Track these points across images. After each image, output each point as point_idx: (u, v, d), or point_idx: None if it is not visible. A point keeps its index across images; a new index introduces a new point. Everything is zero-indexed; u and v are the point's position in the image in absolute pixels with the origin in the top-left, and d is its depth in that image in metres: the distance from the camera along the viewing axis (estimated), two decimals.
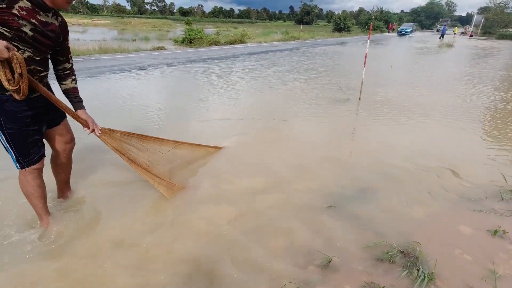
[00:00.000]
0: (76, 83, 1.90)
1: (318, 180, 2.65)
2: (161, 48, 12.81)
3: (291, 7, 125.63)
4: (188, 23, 29.79)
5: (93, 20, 48.06)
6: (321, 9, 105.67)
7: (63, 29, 1.72)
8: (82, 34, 22.63)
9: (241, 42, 17.49)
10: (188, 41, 15.04)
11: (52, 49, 1.70)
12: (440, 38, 27.32)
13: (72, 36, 16.85)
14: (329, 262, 1.71)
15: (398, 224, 2.08)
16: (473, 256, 1.80)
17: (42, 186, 1.85)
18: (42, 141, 1.81)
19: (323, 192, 2.44)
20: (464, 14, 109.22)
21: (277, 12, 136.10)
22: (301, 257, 1.77)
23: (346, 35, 30.97)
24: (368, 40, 5.57)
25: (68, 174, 2.17)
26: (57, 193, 2.20)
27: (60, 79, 1.86)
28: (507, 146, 3.57)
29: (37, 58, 1.60)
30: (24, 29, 1.47)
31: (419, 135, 3.86)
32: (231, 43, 16.67)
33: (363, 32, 35.63)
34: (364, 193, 2.45)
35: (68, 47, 1.83)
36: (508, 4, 36.07)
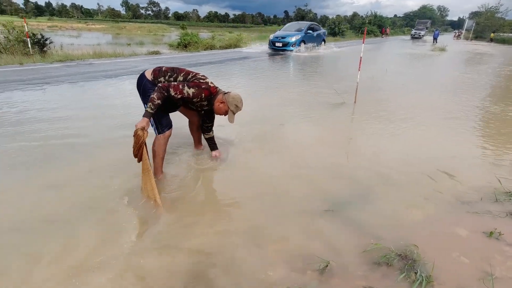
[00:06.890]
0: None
1: (314, 184, 2.65)
2: (156, 53, 12.77)
3: (286, 12, 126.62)
4: (183, 28, 29.85)
5: (87, 25, 47.96)
6: (316, 14, 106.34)
7: None
8: (76, 38, 22.53)
9: (236, 46, 17.51)
10: (183, 45, 15.04)
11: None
12: (434, 42, 27.50)
13: (66, 40, 16.60)
14: (327, 266, 1.70)
15: (395, 227, 2.09)
16: (470, 258, 1.81)
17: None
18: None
19: (320, 197, 2.44)
20: (455, 18, 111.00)
21: (272, 16, 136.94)
22: (299, 262, 1.75)
23: (340, 39, 31.19)
24: (363, 45, 5.62)
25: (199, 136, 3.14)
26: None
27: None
28: (501, 149, 3.61)
29: None
30: None
31: (414, 138, 3.88)
32: (226, 48, 16.71)
33: (357, 36, 35.93)
34: (361, 197, 2.45)
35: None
36: (498, 9, 36.87)
